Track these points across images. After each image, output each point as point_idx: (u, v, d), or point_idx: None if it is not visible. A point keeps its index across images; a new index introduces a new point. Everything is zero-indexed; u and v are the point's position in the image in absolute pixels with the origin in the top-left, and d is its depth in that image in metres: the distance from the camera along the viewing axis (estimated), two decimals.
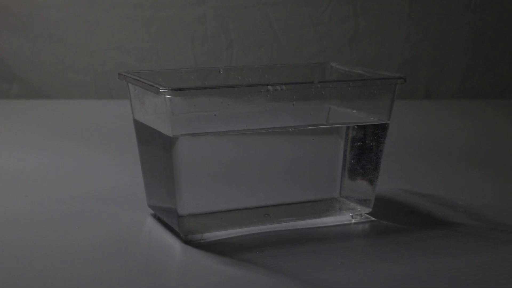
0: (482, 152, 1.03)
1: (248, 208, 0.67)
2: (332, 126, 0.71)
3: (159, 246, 0.64)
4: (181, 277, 0.59)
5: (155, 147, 0.67)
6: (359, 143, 0.71)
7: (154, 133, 0.65)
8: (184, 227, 0.64)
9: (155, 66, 1.45)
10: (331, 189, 0.72)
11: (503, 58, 1.53)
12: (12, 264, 0.60)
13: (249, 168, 0.68)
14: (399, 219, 0.71)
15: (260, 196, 0.68)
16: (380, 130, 0.70)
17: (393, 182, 0.83)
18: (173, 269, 0.61)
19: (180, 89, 0.61)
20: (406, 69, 1.49)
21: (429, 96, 1.51)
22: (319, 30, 1.45)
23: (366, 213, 0.72)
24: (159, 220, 0.70)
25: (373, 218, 0.71)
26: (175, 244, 0.64)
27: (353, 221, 0.71)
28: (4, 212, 0.73)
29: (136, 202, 0.74)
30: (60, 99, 1.45)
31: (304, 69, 0.86)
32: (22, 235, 0.66)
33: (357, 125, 0.70)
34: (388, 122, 0.70)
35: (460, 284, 0.57)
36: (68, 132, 1.13)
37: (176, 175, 0.63)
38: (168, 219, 0.67)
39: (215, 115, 0.64)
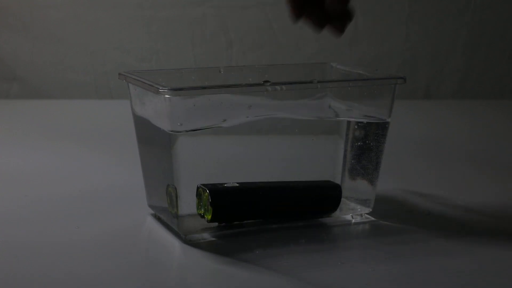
0: (481, 152, 1.03)
1: None
2: (333, 119, 0.71)
3: (159, 246, 0.64)
4: (181, 277, 0.59)
5: (155, 147, 0.67)
6: (359, 143, 0.71)
7: (154, 132, 0.65)
8: (184, 227, 0.64)
9: (155, 66, 1.45)
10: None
11: (502, 58, 1.53)
12: (12, 264, 0.60)
13: (249, 168, 0.68)
14: (399, 219, 0.71)
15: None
16: (380, 130, 0.70)
17: (393, 182, 0.83)
18: (173, 269, 0.61)
19: (180, 89, 0.61)
20: (406, 69, 1.49)
21: (429, 96, 1.51)
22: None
23: (366, 213, 0.72)
24: (159, 220, 0.70)
25: (373, 218, 0.71)
26: (175, 244, 0.64)
27: (353, 221, 0.71)
28: (4, 212, 0.73)
29: (136, 202, 0.74)
30: (60, 99, 1.45)
31: (304, 69, 0.86)
32: (22, 235, 0.66)
33: (357, 125, 0.70)
34: (388, 121, 0.70)
35: (460, 284, 0.57)
36: (68, 132, 1.13)
37: (176, 175, 0.63)
38: (168, 219, 0.67)
39: (214, 115, 0.64)
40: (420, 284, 0.57)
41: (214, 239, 0.65)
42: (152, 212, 0.71)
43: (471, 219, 0.72)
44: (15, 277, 0.57)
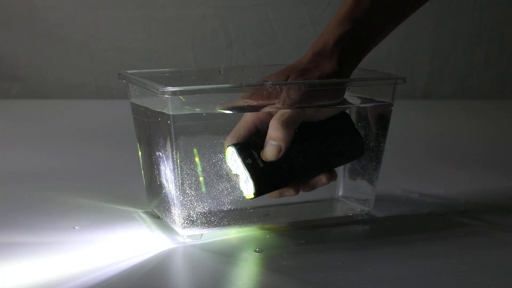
0: (481, 151, 1.03)
1: (248, 208, 0.67)
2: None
3: (159, 246, 0.64)
4: (181, 277, 0.59)
5: (155, 147, 0.67)
6: None
7: (155, 132, 0.65)
8: (184, 226, 0.64)
9: (155, 66, 1.45)
10: (331, 189, 0.72)
11: (501, 58, 1.53)
12: (12, 263, 0.60)
13: None
14: (399, 219, 0.72)
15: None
16: (380, 130, 0.70)
17: (393, 182, 0.83)
18: (173, 269, 0.61)
19: (180, 89, 0.61)
20: (406, 69, 1.49)
21: (429, 96, 1.51)
22: (318, 30, 1.45)
23: (366, 213, 0.72)
24: (159, 220, 0.70)
25: (373, 218, 0.72)
26: (175, 244, 0.64)
27: (353, 221, 0.71)
28: (4, 212, 0.73)
29: (136, 202, 0.74)
30: (60, 99, 1.45)
31: None
32: (22, 234, 0.66)
33: (357, 125, 0.70)
34: (388, 122, 0.70)
35: (460, 284, 0.57)
36: (69, 132, 1.14)
37: (176, 175, 0.63)
38: (168, 219, 0.67)
39: (214, 114, 0.64)
40: (419, 284, 0.57)
41: (214, 239, 0.65)
42: (152, 212, 0.71)
43: (471, 219, 0.72)
44: (15, 277, 0.57)
